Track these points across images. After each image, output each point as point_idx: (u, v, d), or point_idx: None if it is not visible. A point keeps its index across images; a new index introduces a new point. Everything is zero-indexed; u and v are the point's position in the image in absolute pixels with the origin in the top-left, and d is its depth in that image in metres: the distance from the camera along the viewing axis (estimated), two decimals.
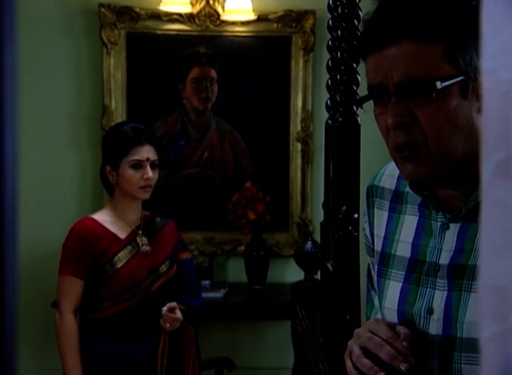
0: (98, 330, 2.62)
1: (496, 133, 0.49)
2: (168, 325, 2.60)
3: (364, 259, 1.45)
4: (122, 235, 2.67)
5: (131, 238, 2.68)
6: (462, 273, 1.16)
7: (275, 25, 3.80)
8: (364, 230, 1.42)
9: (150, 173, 2.64)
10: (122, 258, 2.63)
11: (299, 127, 3.83)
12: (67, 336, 2.58)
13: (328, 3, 1.86)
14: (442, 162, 1.13)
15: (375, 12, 1.16)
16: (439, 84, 1.10)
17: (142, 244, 2.68)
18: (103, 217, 2.69)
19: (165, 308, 2.59)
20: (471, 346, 1.13)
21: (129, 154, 2.63)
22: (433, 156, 1.12)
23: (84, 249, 2.60)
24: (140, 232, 2.71)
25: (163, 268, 2.71)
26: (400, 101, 1.13)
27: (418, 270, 1.23)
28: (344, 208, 1.72)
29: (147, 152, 2.65)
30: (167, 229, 2.79)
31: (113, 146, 2.68)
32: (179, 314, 2.61)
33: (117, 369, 2.62)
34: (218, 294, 3.56)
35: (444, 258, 1.19)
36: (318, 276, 2.50)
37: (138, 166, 2.63)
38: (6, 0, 0.36)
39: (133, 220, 2.71)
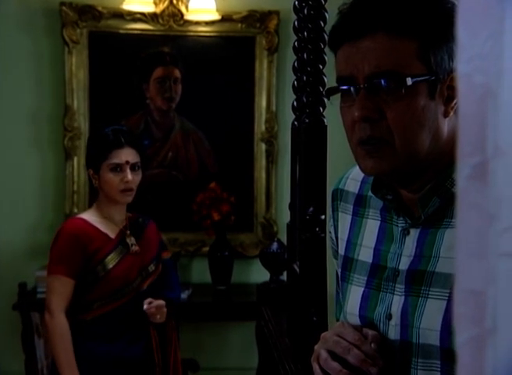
0: (88, 330, 2.61)
1: (472, 137, 0.49)
2: (158, 316, 2.61)
3: (331, 261, 1.45)
4: (112, 235, 2.66)
5: (120, 238, 2.67)
6: (420, 279, 1.16)
7: (239, 25, 3.80)
8: (330, 232, 1.42)
9: (129, 175, 2.62)
10: (114, 258, 2.62)
11: (263, 128, 3.83)
12: (60, 335, 2.56)
13: (294, 4, 1.85)
14: (406, 159, 1.13)
15: (352, 3, 1.14)
16: (409, 81, 1.09)
17: (131, 244, 2.68)
18: (91, 217, 2.67)
19: (144, 306, 2.60)
20: (427, 352, 1.13)
21: (108, 157, 2.61)
22: (397, 153, 1.12)
23: (77, 249, 2.58)
24: (128, 232, 2.70)
25: (152, 267, 2.72)
26: (369, 95, 1.12)
27: (379, 275, 1.23)
28: (311, 209, 1.72)
29: (126, 155, 2.62)
30: (151, 229, 2.80)
31: (93, 149, 2.67)
32: (158, 301, 2.62)
33: (110, 369, 2.61)
34: (183, 294, 3.55)
35: (403, 264, 1.19)
36: (284, 277, 2.50)
37: (117, 169, 2.61)
38: None
39: (119, 220, 2.71)
